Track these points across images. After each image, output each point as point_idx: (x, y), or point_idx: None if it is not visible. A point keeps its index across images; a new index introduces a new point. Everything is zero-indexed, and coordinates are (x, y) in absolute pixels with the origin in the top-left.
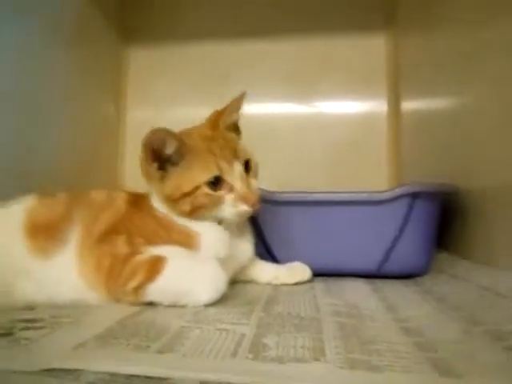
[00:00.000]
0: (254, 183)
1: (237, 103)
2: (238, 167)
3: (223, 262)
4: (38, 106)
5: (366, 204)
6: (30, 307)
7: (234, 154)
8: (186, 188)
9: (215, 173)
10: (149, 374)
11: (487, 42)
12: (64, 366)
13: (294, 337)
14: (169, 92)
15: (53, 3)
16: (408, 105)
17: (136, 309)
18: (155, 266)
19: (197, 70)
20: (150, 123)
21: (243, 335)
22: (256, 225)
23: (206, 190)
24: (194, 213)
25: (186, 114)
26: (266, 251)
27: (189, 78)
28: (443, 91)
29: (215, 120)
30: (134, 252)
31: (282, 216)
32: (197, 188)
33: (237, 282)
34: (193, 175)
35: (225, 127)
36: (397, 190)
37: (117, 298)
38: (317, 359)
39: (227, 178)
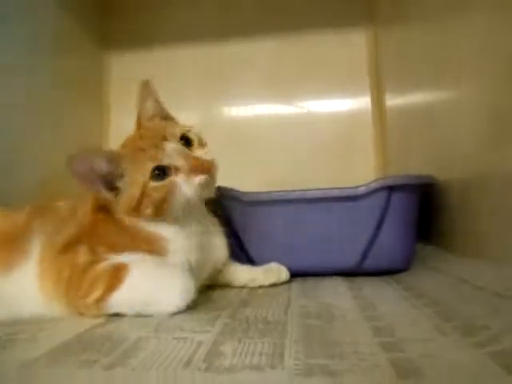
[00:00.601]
0: (201, 152)
1: (141, 93)
2: (172, 145)
3: (194, 266)
4: (20, 117)
5: (341, 200)
6: None
7: (162, 137)
8: (137, 192)
9: (151, 165)
10: None
11: (460, 34)
12: None
13: (254, 343)
14: None
15: (30, 14)
16: (391, 100)
17: (99, 320)
18: (117, 275)
19: (180, 74)
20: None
21: (200, 343)
22: (231, 225)
23: (153, 184)
24: (159, 211)
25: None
26: (241, 252)
27: (172, 83)
28: (422, 86)
29: (137, 119)
30: (96, 261)
31: (257, 216)
32: (145, 187)
33: (212, 286)
34: (136, 177)
35: (148, 121)
36: (372, 184)
37: (79, 311)
38: (273, 367)
39: (166, 162)
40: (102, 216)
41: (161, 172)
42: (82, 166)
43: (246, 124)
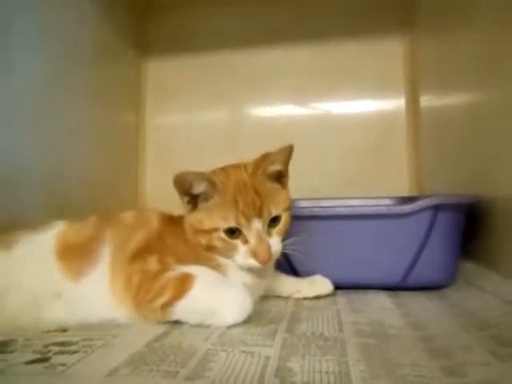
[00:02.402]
0: (274, 241)
1: (282, 155)
2: (257, 225)
3: (249, 289)
4: (63, 128)
5: (387, 217)
6: (63, 329)
7: (258, 211)
8: (207, 226)
9: (233, 224)
10: None
11: (506, 39)
12: None
13: (318, 360)
14: (187, 102)
15: (70, 27)
16: (427, 107)
17: (162, 329)
18: (184, 284)
19: (213, 79)
20: (169, 133)
21: (268, 358)
22: None
23: (223, 235)
24: (209, 250)
25: (203, 122)
26: (287, 264)
27: (205, 87)
28: (464, 91)
29: (256, 166)
30: (164, 269)
31: (303, 229)
32: (215, 230)
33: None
34: (214, 217)
35: (265, 175)
36: (419, 203)
37: (144, 314)
38: None
39: (244, 231)
40: (170, 228)
41: (235, 230)
42: (183, 181)
43: (276, 130)
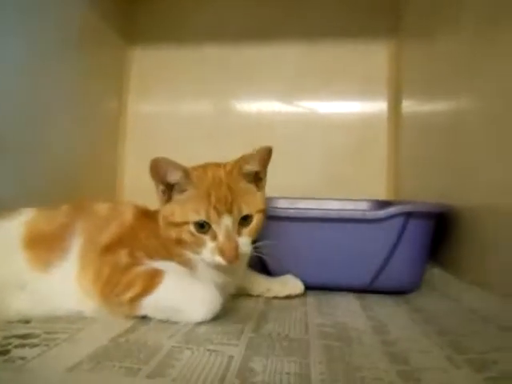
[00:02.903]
0: (243, 240)
1: (258, 155)
2: (227, 221)
3: (219, 287)
4: (43, 109)
5: (359, 221)
6: (26, 321)
7: (229, 207)
8: (178, 218)
9: (203, 218)
10: None
11: (489, 48)
12: None
13: (281, 361)
14: (171, 92)
15: (58, 11)
16: (408, 110)
17: (129, 325)
18: (153, 279)
19: (198, 70)
20: (151, 123)
21: (231, 358)
22: None
23: (192, 228)
24: (179, 244)
25: (187, 113)
26: (259, 263)
27: (190, 78)
28: (443, 99)
29: (233, 165)
30: (135, 263)
31: (276, 229)
32: (185, 223)
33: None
34: (185, 210)
35: (241, 174)
36: (391, 210)
37: (112, 308)
38: None
39: (214, 226)
40: (144, 223)
41: (206, 225)
42: (159, 167)
43: (260, 125)
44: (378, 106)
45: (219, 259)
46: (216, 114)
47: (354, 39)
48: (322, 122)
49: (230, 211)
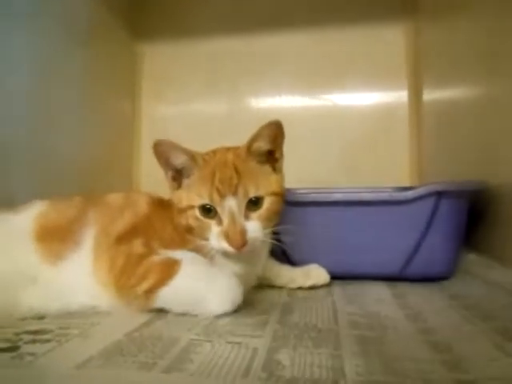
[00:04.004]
0: (252, 225)
1: (266, 130)
2: (231, 203)
3: (239, 277)
4: (55, 109)
5: (387, 204)
6: (40, 317)
7: (234, 188)
8: (184, 204)
9: (206, 201)
10: None
11: None
12: None
13: (310, 353)
14: (184, 88)
15: (66, 6)
16: (430, 96)
17: (145, 319)
18: (169, 269)
19: (210, 65)
20: (165, 119)
21: (256, 350)
22: None
23: (197, 213)
24: (188, 231)
25: (201, 109)
26: (281, 253)
27: (202, 74)
28: (468, 82)
29: (243, 145)
30: (150, 253)
31: (299, 216)
32: (190, 208)
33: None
34: (191, 194)
35: (251, 154)
36: (421, 189)
37: (127, 300)
38: (336, 382)
39: (218, 210)
40: (159, 212)
41: (212, 210)
42: (162, 150)
43: (276, 117)
44: (397, 93)
45: (225, 245)
46: (229, 110)
47: (369, 24)
48: (340, 113)
49: (234, 193)
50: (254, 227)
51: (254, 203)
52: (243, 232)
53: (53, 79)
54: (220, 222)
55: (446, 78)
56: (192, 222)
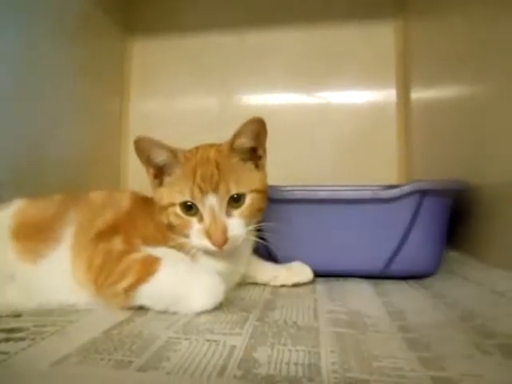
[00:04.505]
0: (234, 223)
1: (248, 127)
2: (211, 200)
3: (221, 275)
4: (41, 104)
5: (371, 202)
6: (17, 314)
7: (214, 185)
8: (165, 201)
9: (187, 198)
10: None
11: (507, 29)
12: None
13: (288, 350)
14: (173, 84)
15: (56, 2)
16: (418, 95)
17: (124, 316)
18: (149, 267)
19: (200, 61)
20: (154, 116)
21: (233, 347)
22: None
23: (178, 210)
24: (169, 228)
25: (190, 106)
26: (264, 250)
27: (192, 70)
28: (456, 81)
29: (225, 142)
30: (129, 251)
31: (283, 213)
32: (171, 205)
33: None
34: (172, 192)
35: (233, 151)
36: (405, 188)
37: (106, 298)
38: (311, 380)
39: (200, 207)
40: (141, 209)
41: (193, 207)
42: (143, 147)
43: (265, 115)
44: (386, 92)
45: (206, 243)
46: (218, 107)
47: (359, 22)
48: (330, 111)
49: (215, 190)
50: (236, 224)
51: (236, 200)
52: (224, 229)
53: (39, 74)
54: (201, 220)
55: (435, 77)
56: (173, 219)
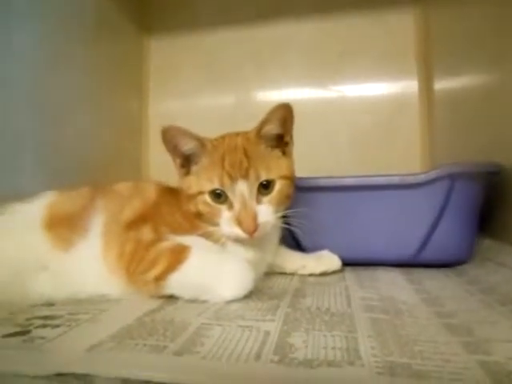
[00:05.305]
0: (264, 209)
1: (275, 113)
2: (242, 187)
3: (250, 263)
4: (62, 104)
5: (400, 188)
6: (50, 303)
7: (244, 172)
8: (193, 190)
9: (217, 186)
10: (163, 380)
11: None
12: (74, 371)
13: (323, 335)
14: (191, 82)
15: (71, 1)
16: (441, 83)
17: (156, 304)
18: (179, 255)
19: (216, 57)
20: (172, 114)
21: (267, 333)
22: None
23: (207, 198)
24: (198, 217)
25: (207, 103)
26: (292, 239)
27: (208, 66)
28: (480, 67)
29: (253, 129)
30: (159, 239)
31: (310, 202)
32: (200, 193)
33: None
34: (201, 180)
35: (261, 137)
36: (434, 172)
37: (137, 287)
38: (351, 363)
39: (229, 194)
40: (167, 198)
41: (222, 195)
42: (171, 136)
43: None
44: (406, 82)
45: (237, 231)
46: (237, 102)
47: (375, 9)
48: (349, 103)
49: (245, 176)
50: (266, 211)
51: (265, 187)
52: (255, 216)
53: (61, 74)
54: (231, 207)
55: (458, 65)
56: (202, 207)
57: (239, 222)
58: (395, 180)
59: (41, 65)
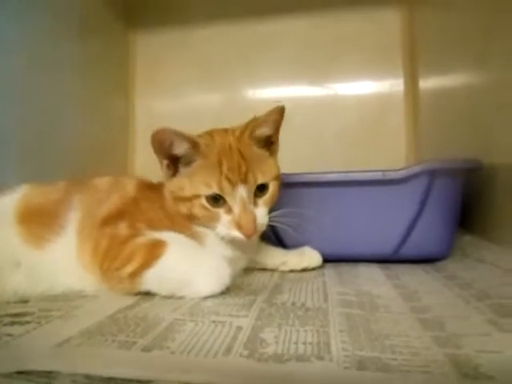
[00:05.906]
0: (260, 212)
1: (271, 116)
2: (242, 191)
3: (229, 261)
4: (47, 101)
5: (380, 184)
6: (24, 300)
7: (243, 176)
8: (187, 193)
9: (215, 191)
10: (128, 377)
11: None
12: (37, 368)
13: (296, 330)
14: (177, 79)
15: None
16: (426, 82)
17: (132, 301)
18: (154, 251)
19: (204, 54)
20: (159, 110)
21: (239, 328)
22: None
23: (205, 202)
24: (190, 219)
25: (195, 101)
26: (273, 236)
27: (196, 63)
28: (464, 66)
29: (243, 129)
30: (135, 235)
31: (291, 198)
32: (196, 197)
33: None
34: (196, 183)
35: (252, 139)
36: (414, 168)
37: (111, 284)
38: (320, 358)
39: (228, 199)
40: (147, 194)
41: (218, 198)
42: (162, 139)
43: (271, 105)
44: (392, 81)
45: (237, 234)
46: (225, 99)
47: (363, 7)
48: (335, 101)
49: (244, 181)
50: (262, 213)
51: (260, 189)
52: (254, 220)
53: (46, 71)
54: (229, 211)
55: (443, 64)
56: (198, 211)
57: (239, 226)
58: (377, 176)
59: (26, 61)
